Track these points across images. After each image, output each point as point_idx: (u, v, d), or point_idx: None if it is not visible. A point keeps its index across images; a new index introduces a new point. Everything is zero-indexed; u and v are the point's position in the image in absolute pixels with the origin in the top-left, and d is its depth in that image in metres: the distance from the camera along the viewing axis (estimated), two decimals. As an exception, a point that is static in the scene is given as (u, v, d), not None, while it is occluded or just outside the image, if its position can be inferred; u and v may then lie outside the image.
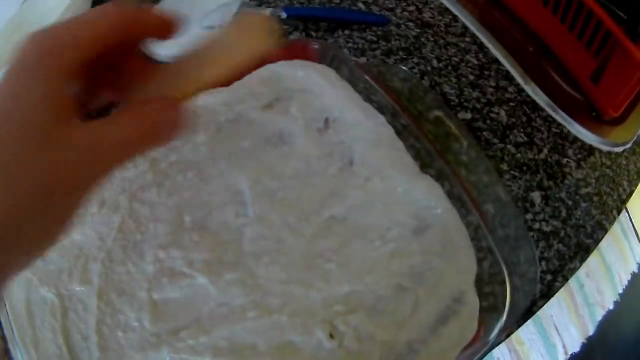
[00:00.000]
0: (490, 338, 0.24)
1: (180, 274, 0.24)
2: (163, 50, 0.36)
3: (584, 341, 0.28)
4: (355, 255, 0.24)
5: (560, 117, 0.33)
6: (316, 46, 0.29)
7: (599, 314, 0.33)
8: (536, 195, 0.31)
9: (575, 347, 0.30)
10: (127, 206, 0.27)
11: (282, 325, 0.22)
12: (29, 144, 0.14)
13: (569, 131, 0.32)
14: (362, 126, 0.26)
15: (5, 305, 0.30)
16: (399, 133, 0.26)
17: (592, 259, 0.31)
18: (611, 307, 0.33)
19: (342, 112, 0.27)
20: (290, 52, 0.29)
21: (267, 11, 0.34)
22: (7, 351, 0.31)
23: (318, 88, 0.27)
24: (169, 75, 0.20)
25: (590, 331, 0.31)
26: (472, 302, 0.24)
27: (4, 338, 0.31)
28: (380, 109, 0.27)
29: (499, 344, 0.25)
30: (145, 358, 0.24)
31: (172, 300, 0.24)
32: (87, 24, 0.16)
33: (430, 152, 0.26)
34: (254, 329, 0.23)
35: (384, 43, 0.33)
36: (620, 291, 0.34)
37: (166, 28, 0.18)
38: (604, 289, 0.36)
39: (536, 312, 0.29)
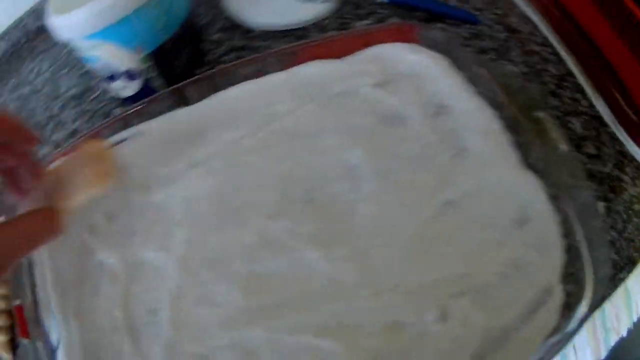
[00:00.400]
0: (569, 330, 0.26)
1: (285, 247, 0.23)
2: (258, 19, 0.34)
3: None
4: (466, 240, 0.23)
5: (621, 135, 0.35)
6: (427, 32, 0.28)
7: (613, 340, 0.33)
8: (601, 206, 0.33)
9: None
10: (224, 170, 0.25)
11: (394, 306, 0.22)
12: None
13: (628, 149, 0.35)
14: (473, 117, 0.27)
15: (43, 270, 0.26)
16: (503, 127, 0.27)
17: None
18: (624, 334, 0.33)
19: (454, 101, 0.27)
20: (398, 34, 0.29)
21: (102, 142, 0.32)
22: (38, 321, 0.27)
23: (431, 74, 0.27)
24: (49, 189, 0.25)
25: (603, 355, 0.31)
26: (558, 294, 0.26)
27: (35, 305, 0.27)
28: (488, 102, 0.28)
29: (574, 335, 0.27)
30: (232, 337, 0.22)
31: (272, 275, 0.22)
32: None
33: (529, 149, 0.27)
34: (363, 309, 0.22)
35: (476, 41, 0.34)
36: (635, 320, 0.35)
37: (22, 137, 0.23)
38: (621, 315, 0.36)
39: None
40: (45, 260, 0.27)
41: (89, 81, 0.41)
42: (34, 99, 0.44)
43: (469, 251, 0.24)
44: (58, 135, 0.40)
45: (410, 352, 0.22)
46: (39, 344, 0.26)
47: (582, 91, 0.36)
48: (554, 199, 0.27)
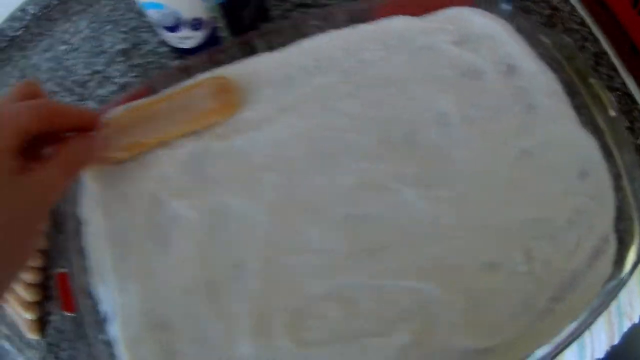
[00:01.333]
0: (623, 277, 0.28)
1: (387, 188, 0.23)
2: None
3: (609, 349, 0.29)
4: (541, 187, 0.25)
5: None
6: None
7: (626, 326, 0.34)
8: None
9: (600, 354, 0.30)
10: (317, 114, 0.25)
11: (487, 247, 0.23)
12: None
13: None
14: (539, 78, 0.28)
15: (97, 230, 0.25)
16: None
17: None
18: (637, 321, 0.33)
19: (522, 62, 0.28)
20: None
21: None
22: (85, 290, 0.24)
23: (500, 37, 0.29)
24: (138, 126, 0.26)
25: (616, 340, 0.32)
26: (612, 243, 0.28)
27: (83, 273, 0.24)
28: (548, 65, 0.29)
29: (627, 282, 0.28)
30: (330, 285, 0.21)
31: (373, 217, 0.22)
32: (22, 118, 0.21)
33: (584, 111, 0.28)
34: (460, 249, 0.22)
35: (525, 14, 0.36)
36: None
37: (85, 122, 0.24)
38: (634, 302, 0.36)
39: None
40: (99, 219, 0.25)
41: (137, 37, 0.40)
42: (71, 57, 0.42)
43: (544, 197, 0.25)
44: (103, 90, 0.39)
45: (501, 293, 0.23)
46: (88, 317, 0.24)
47: (615, 69, 0.39)
48: (607, 156, 0.29)
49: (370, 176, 0.23)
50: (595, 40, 0.39)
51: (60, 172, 0.22)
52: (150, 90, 0.29)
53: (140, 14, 0.42)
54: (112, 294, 0.24)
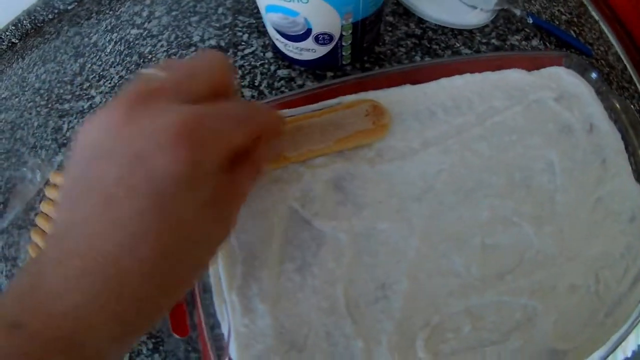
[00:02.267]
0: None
1: (511, 222, 0.28)
2: (429, 12, 0.37)
3: (635, 349, 0.31)
4: (608, 228, 0.31)
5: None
6: (577, 61, 0.35)
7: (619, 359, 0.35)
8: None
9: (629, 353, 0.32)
10: (457, 152, 0.28)
11: (573, 272, 0.29)
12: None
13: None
14: (611, 137, 0.35)
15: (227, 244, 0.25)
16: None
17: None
18: (630, 355, 0.34)
19: (600, 122, 0.34)
20: (557, 59, 0.36)
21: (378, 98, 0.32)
22: (204, 308, 0.24)
23: (586, 97, 0.35)
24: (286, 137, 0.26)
25: (629, 353, 0.33)
26: None
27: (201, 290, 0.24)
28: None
29: None
30: (464, 303, 0.25)
31: (501, 247, 0.27)
32: (234, 136, 0.19)
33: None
34: (557, 274, 0.28)
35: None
36: None
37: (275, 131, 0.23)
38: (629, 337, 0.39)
39: None
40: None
41: (235, 36, 0.38)
42: (148, 44, 0.40)
43: (608, 236, 0.32)
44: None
45: (578, 309, 0.29)
46: (209, 339, 0.24)
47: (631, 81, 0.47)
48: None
49: (500, 212, 0.28)
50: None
51: (253, 170, 0.21)
52: (303, 101, 0.29)
53: (237, 12, 0.41)
54: (233, 315, 0.24)
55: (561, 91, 0.33)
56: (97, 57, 0.41)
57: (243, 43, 0.39)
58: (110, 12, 0.43)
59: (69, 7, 0.46)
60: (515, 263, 0.28)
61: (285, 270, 0.26)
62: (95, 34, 0.43)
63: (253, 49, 0.38)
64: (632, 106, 0.40)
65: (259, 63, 0.37)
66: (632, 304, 0.33)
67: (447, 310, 0.26)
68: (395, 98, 0.30)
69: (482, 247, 0.27)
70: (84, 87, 0.40)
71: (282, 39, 0.34)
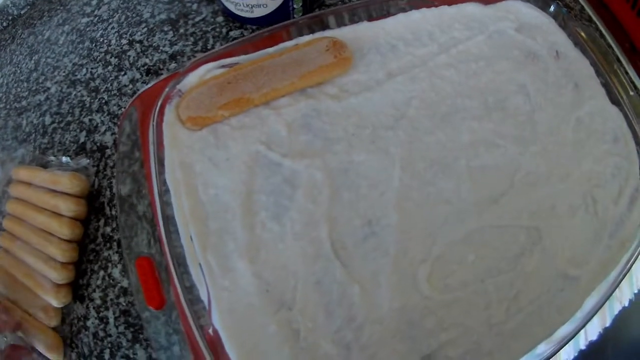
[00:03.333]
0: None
1: (494, 144, 0.26)
2: None
3: (601, 331, 0.31)
4: (594, 147, 0.30)
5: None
6: None
7: (617, 309, 0.36)
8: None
9: (593, 336, 0.32)
10: (426, 79, 0.27)
11: (568, 191, 0.28)
12: None
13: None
14: (579, 63, 0.35)
15: (191, 204, 0.23)
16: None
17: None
18: (627, 304, 0.35)
19: (566, 49, 0.34)
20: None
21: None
22: (179, 275, 0.21)
23: (547, 28, 0.35)
24: (242, 81, 0.25)
25: (607, 323, 0.33)
26: None
27: (175, 257, 0.21)
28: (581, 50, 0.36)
29: None
30: (462, 230, 0.23)
31: (488, 168, 0.26)
32: None
33: (610, 90, 0.35)
34: (553, 194, 0.27)
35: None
36: (636, 291, 0.37)
37: None
38: (623, 286, 0.38)
39: None
40: (190, 190, 0.23)
41: (185, 7, 0.38)
42: (100, 29, 0.40)
43: (595, 154, 0.31)
44: (147, 60, 0.36)
45: (581, 230, 0.27)
46: (188, 308, 0.21)
47: (619, 60, 0.47)
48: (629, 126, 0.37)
49: (480, 134, 0.26)
50: (602, 36, 0.49)
51: None
52: (242, 50, 0.27)
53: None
54: (210, 279, 0.21)
55: (521, 22, 0.34)
56: (51, 51, 0.40)
57: (193, 12, 0.38)
58: (61, 8, 0.43)
59: (22, 12, 0.45)
60: (507, 185, 0.26)
61: (260, 220, 0.23)
62: (47, 30, 0.42)
63: (203, 16, 0.38)
64: (596, 33, 0.41)
65: (210, 28, 0.37)
66: (635, 223, 0.32)
67: (445, 239, 0.24)
68: (354, 35, 0.28)
69: (468, 170, 0.25)
70: (40, 80, 0.39)
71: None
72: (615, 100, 0.35)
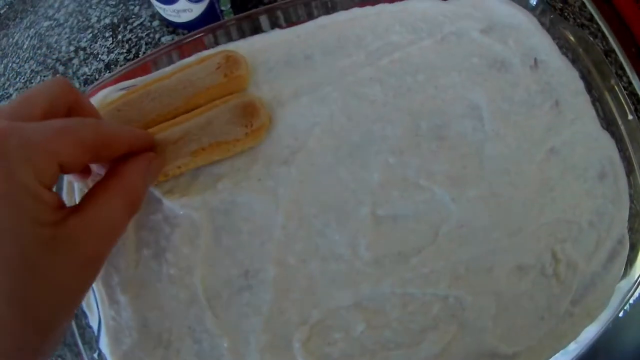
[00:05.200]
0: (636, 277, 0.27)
1: (415, 186, 0.19)
2: None
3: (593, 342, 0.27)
4: (566, 188, 0.22)
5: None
6: None
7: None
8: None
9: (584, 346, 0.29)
10: (339, 100, 0.20)
11: (518, 249, 0.20)
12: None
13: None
14: (565, 74, 0.25)
15: None
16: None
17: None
18: (620, 315, 0.33)
19: (549, 57, 0.25)
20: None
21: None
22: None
23: (526, 29, 0.26)
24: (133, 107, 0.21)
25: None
26: (626, 245, 0.26)
27: None
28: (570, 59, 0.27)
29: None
30: (352, 295, 0.18)
31: (402, 218, 0.19)
32: (58, 150, 0.14)
33: (603, 110, 0.26)
34: (492, 252, 0.20)
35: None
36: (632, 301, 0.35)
37: (138, 148, 0.17)
38: None
39: None
40: None
41: (128, 10, 0.34)
42: (55, 34, 0.37)
43: (569, 198, 0.23)
44: (88, 69, 0.33)
45: (529, 296, 0.20)
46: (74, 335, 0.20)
47: (623, 68, 0.37)
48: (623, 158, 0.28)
49: (399, 172, 0.19)
50: (604, 38, 0.37)
51: (122, 207, 0.16)
52: (144, 69, 0.25)
53: (133, -16, 0.36)
54: (101, 306, 0.19)
55: (490, 22, 0.25)
56: (16, 55, 0.39)
57: (133, 16, 0.34)
58: (31, 9, 0.41)
59: (1, 12, 0.43)
60: (425, 240, 0.19)
61: (143, 257, 0.20)
62: (17, 33, 0.41)
63: (142, 19, 0.33)
64: (591, 38, 0.31)
65: (145, 33, 0.33)
66: (610, 285, 0.23)
67: (329, 304, 0.18)
68: (260, 46, 0.22)
69: (373, 219, 0.19)
70: (5, 86, 0.39)
71: (159, 4, 0.29)
72: (607, 123, 0.25)
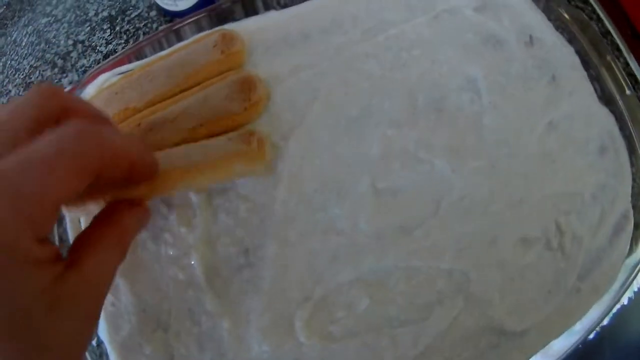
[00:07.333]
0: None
1: (415, 158, 0.19)
2: None
3: (598, 330, 0.27)
4: (567, 161, 0.22)
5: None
6: None
7: (615, 307, 0.30)
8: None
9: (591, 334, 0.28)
10: (336, 74, 0.20)
11: (521, 221, 0.19)
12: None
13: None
14: (560, 50, 0.25)
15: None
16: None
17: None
18: (626, 302, 0.33)
19: (543, 34, 0.25)
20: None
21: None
22: None
23: (520, 7, 0.26)
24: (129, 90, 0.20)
25: (606, 321, 0.30)
26: (631, 219, 0.26)
27: None
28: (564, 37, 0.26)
29: None
30: (357, 270, 0.17)
31: (403, 191, 0.18)
32: (58, 179, 0.12)
33: (600, 85, 0.25)
34: (494, 224, 0.19)
35: None
36: (636, 289, 0.36)
37: (139, 172, 0.15)
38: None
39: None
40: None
41: (125, 2, 0.34)
42: (53, 29, 0.37)
43: (570, 171, 0.22)
44: (86, 61, 0.33)
45: (535, 270, 0.20)
46: None
47: (619, 49, 0.37)
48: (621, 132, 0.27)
49: (398, 145, 0.19)
50: (599, 20, 0.37)
51: (118, 258, 0.15)
52: (141, 54, 0.25)
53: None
54: None
55: (483, 0, 0.25)
56: (15, 53, 0.39)
57: (131, 7, 0.34)
58: (29, 8, 0.41)
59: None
60: (427, 213, 0.18)
61: (141, 238, 0.19)
62: (15, 32, 0.41)
63: (139, 11, 0.33)
64: (586, 17, 0.30)
65: (143, 24, 0.32)
66: (617, 262, 0.23)
67: (331, 280, 0.17)
68: (259, 26, 0.22)
69: (373, 193, 0.18)
70: (4, 83, 0.39)
71: (158, -6, 0.28)
72: (605, 100, 0.25)
